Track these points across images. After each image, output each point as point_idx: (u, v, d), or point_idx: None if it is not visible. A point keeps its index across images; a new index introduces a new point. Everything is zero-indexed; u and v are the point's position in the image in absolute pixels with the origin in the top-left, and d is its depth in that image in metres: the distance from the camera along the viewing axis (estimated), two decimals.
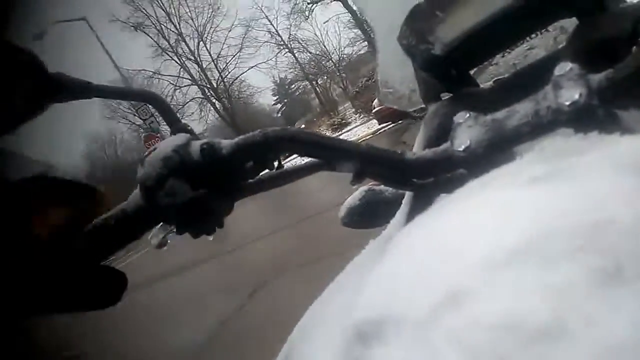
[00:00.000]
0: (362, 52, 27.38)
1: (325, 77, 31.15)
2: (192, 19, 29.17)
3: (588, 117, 0.37)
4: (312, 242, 4.38)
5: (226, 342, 3.35)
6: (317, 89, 31.81)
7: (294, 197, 8.20)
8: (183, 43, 29.15)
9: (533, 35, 0.71)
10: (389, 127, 11.20)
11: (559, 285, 0.20)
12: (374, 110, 11.28)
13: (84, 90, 0.48)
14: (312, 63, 30.39)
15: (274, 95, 37.53)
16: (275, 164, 0.48)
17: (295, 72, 32.12)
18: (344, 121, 25.10)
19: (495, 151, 0.42)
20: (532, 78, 0.50)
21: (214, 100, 29.99)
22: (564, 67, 0.39)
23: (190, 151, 0.42)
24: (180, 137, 0.44)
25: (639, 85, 0.38)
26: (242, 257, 5.74)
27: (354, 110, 24.47)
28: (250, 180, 0.47)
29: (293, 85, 35.70)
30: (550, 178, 0.26)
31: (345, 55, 28.95)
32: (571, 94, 0.38)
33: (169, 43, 28.79)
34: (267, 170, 0.47)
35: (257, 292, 3.99)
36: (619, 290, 0.19)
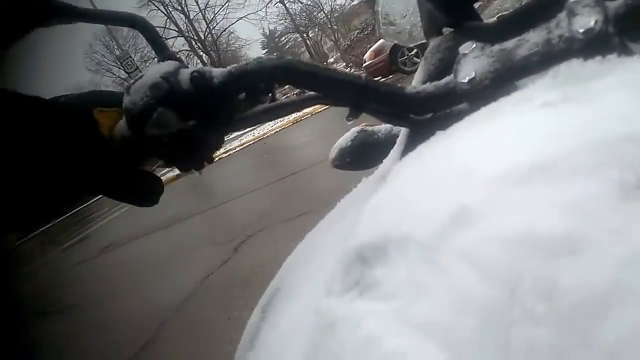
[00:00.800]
0: (354, 3, 26.63)
1: (317, 30, 30.39)
2: None
3: (603, 46, 0.35)
4: (297, 197, 4.39)
5: (212, 292, 3.41)
6: (308, 42, 31.06)
7: (279, 153, 8.17)
8: None
9: None
10: (380, 81, 11.10)
11: (580, 200, 0.18)
12: (364, 65, 11.07)
13: (68, 12, 0.44)
14: (303, 14, 29.52)
15: (263, 48, 36.66)
16: (269, 96, 0.45)
17: (286, 24, 31.28)
18: None
19: (502, 83, 0.39)
20: (541, 11, 0.47)
21: (201, 53, 29.20)
22: None
23: (180, 79, 0.39)
24: (170, 64, 0.41)
25: None
26: (226, 212, 5.75)
27: (344, 64, 24.05)
28: (243, 113, 0.44)
29: (283, 38, 34.85)
30: (566, 101, 0.25)
31: (337, 6, 28.18)
32: (586, 21, 0.36)
33: None
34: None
35: (242, 245, 4.04)
36: None
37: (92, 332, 3.77)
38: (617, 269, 0.16)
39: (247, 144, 12.76)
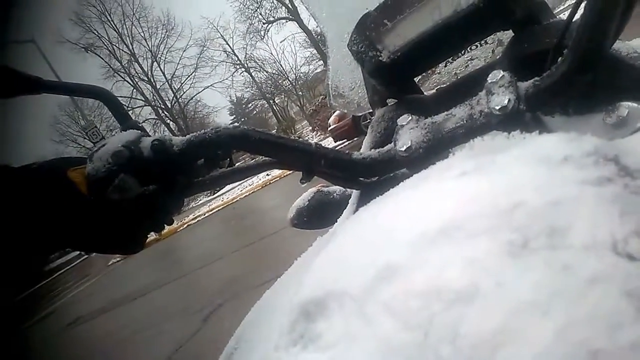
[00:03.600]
0: (318, 70, 27.77)
1: (283, 96, 31.31)
2: (145, 39, 28.74)
3: (516, 121, 0.41)
4: (268, 261, 4.33)
5: None
6: (275, 108, 31.88)
7: (248, 218, 8.12)
8: (136, 64, 28.61)
9: (473, 47, 0.75)
10: (344, 144, 11.39)
11: (475, 257, 0.23)
12: (329, 128, 11.42)
13: (33, 84, 0.47)
14: (269, 82, 30.50)
15: (230, 114, 37.32)
16: (227, 162, 0.48)
17: (252, 91, 32.15)
18: (301, 139, 25.16)
19: (434, 151, 0.45)
20: (470, 85, 0.54)
21: (168, 121, 29.42)
22: (496, 75, 0.43)
23: (141, 147, 0.43)
24: (131, 133, 0.44)
25: (561, 94, 0.41)
26: (196, 281, 5.60)
27: (310, 128, 24.65)
28: (201, 178, 0.47)
29: (250, 104, 35.64)
30: (477, 171, 0.29)
31: (301, 74, 29.30)
32: (501, 100, 0.42)
33: (121, 64, 28.15)
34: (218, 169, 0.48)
35: (212, 315, 3.90)
36: (525, 259, 0.22)
37: None
38: (500, 316, 0.20)
39: (217, 209, 12.63)
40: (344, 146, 11.32)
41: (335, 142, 12.10)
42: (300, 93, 29.43)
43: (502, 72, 0.43)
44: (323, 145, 0.50)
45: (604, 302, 0.19)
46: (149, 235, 0.47)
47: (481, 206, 0.25)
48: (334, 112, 11.59)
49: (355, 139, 10.66)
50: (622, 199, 0.23)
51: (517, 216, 0.23)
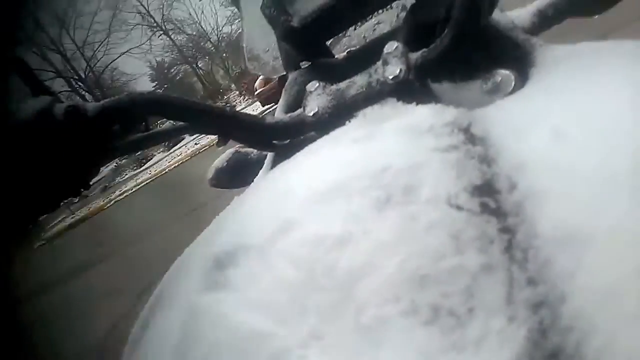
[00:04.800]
0: (240, 29, 26.86)
1: (206, 59, 30.16)
2: (50, 4, 26.17)
3: (407, 89, 0.46)
4: (199, 233, 4.30)
5: (118, 344, 3.21)
6: (199, 72, 30.69)
7: (181, 188, 7.94)
8: (42, 32, 26.10)
9: (380, 11, 0.79)
10: (272, 108, 11.31)
11: (351, 211, 0.29)
12: (256, 93, 11.23)
13: None
14: (190, 45, 29.18)
15: (152, 81, 35.37)
16: (142, 126, 0.49)
17: (173, 56, 30.66)
18: (228, 104, 24.65)
19: (337, 116, 0.48)
20: (375, 51, 0.58)
21: (83, 93, 27.43)
22: (391, 46, 0.48)
23: (55, 113, 0.42)
24: (44, 99, 0.43)
25: (446, 63, 0.46)
26: (131, 256, 5.46)
27: (238, 92, 24.09)
28: (117, 143, 0.48)
29: (172, 69, 34.01)
30: (364, 139, 0.35)
31: (224, 35, 28.28)
32: (394, 69, 0.46)
33: (24, 32, 25.53)
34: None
35: (146, 292, 3.86)
36: (386, 211, 0.28)
37: None
38: (365, 254, 0.26)
39: (144, 182, 12.17)
40: (272, 110, 11.19)
41: (263, 106, 11.94)
42: (224, 55, 28.47)
43: (396, 43, 0.48)
44: (237, 110, 0.52)
45: (434, 241, 0.25)
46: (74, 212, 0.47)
47: (360, 169, 0.31)
48: (259, 76, 11.38)
49: None
50: (461, 162, 0.29)
51: (384, 177, 0.29)
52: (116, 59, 28.59)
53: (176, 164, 11.78)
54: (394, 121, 0.35)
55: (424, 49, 0.46)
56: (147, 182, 12.05)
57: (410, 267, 0.24)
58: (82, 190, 0.46)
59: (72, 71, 27.04)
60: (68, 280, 5.90)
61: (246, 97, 21.50)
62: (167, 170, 11.96)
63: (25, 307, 5.86)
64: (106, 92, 27.64)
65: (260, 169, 0.65)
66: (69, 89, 27.03)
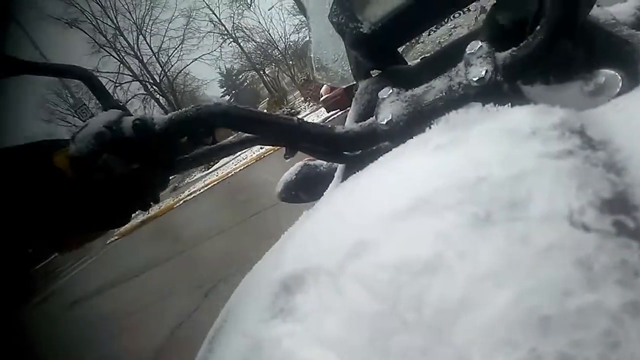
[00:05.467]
0: (308, 38, 27.25)
1: (273, 66, 30.88)
2: (129, 12, 27.98)
3: (494, 92, 0.41)
4: (267, 235, 4.35)
5: (183, 344, 3.30)
6: (265, 78, 31.49)
7: (243, 192, 8.13)
8: (121, 37, 27.95)
9: (456, 15, 0.75)
10: (337, 114, 11.31)
11: (442, 230, 0.24)
12: (321, 99, 11.30)
13: (11, 65, 0.47)
14: (258, 52, 30.01)
15: (221, 86, 36.84)
16: (210, 139, 0.49)
17: (242, 62, 31.67)
18: (293, 110, 25.05)
19: (414, 124, 0.45)
20: (453, 55, 0.54)
21: (157, 96, 29.02)
22: (474, 46, 0.43)
23: (123, 127, 0.43)
24: (113, 113, 0.44)
25: (538, 63, 0.41)
26: (195, 257, 5.64)
27: (303, 98, 24.44)
28: (185, 155, 0.48)
29: (240, 76, 35.19)
30: (450, 145, 0.30)
31: (291, 42, 28.82)
32: (478, 71, 0.42)
33: (106, 38, 27.42)
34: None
35: (212, 291, 3.95)
36: (486, 231, 0.23)
37: None
38: (461, 285, 0.21)
39: (212, 184, 12.64)
40: (337, 116, 11.26)
41: (328, 112, 12.02)
42: (290, 62, 29.03)
43: (480, 42, 0.43)
44: (306, 120, 0.51)
45: (556, 271, 0.20)
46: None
47: (449, 180, 0.26)
48: None
49: (348, 108, 10.57)
50: (581, 171, 0.24)
51: (482, 190, 0.24)
52: (189, 64, 30.02)
53: (242, 167, 12.13)
54: (485, 125, 0.30)
55: (513, 48, 0.42)
56: (214, 184, 12.50)
57: (526, 304, 0.19)
58: (151, 204, 0.46)
59: (147, 75, 28.71)
60: (137, 276, 6.20)
61: (311, 103, 21.76)
62: (232, 173, 12.35)
63: (97, 301, 6.25)
64: (178, 96, 29.09)
65: (330, 182, 0.63)
66: (145, 92, 28.72)
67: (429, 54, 0.69)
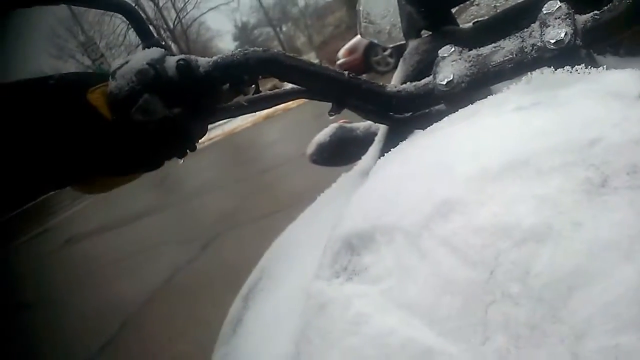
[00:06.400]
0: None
1: (290, 24, 30.24)
2: None
3: (571, 57, 0.38)
4: (268, 195, 4.35)
5: (176, 294, 3.34)
6: (280, 37, 30.87)
7: (249, 150, 8.09)
8: None
9: None
10: (362, 78, 11.11)
11: (548, 195, 0.21)
12: (338, 62, 11.07)
13: None
14: (277, 8, 29.34)
15: (234, 40, 36.13)
16: (253, 88, 0.46)
17: (259, 17, 31.01)
18: None
19: (478, 86, 0.41)
20: (513, 19, 0.49)
21: (170, 43, 28.50)
22: (553, 6, 0.39)
23: (166, 66, 0.40)
24: (156, 51, 0.41)
25: (620, 30, 0.38)
26: (194, 209, 5.63)
27: (318, 60, 24.06)
28: (226, 104, 0.45)
29: (255, 31, 34.48)
30: (537, 106, 0.27)
31: (311, 2, 28.12)
32: (557, 33, 0.38)
33: None
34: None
35: (210, 244, 3.97)
36: (604, 198, 0.20)
37: (51, 331, 3.60)
38: (577, 256, 0.19)
39: (215, 138, 12.59)
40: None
41: None
42: (308, 22, 28.39)
43: (558, 2, 0.40)
44: (356, 75, 0.47)
45: None
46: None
47: (551, 141, 0.23)
48: (343, 45, 11.20)
49: (364, 74, 10.39)
50: None
51: (595, 152, 0.21)
52: (205, 12, 29.43)
53: (249, 125, 12.04)
54: (579, 86, 0.27)
55: (595, 11, 0.38)
56: (217, 138, 12.44)
57: None
58: (188, 151, 0.43)
59: (162, 20, 28.13)
60: (134, 222, 6.23)
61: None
62: (238, 129, 12.26)
63: (92, 242, 6.32)
64: (190, 45, 28.59)
65: (367, 147, 0.59)
66: (158, 37, 28.12)
67: (482, 18, 0.65)
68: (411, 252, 0.22)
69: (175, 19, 28.62)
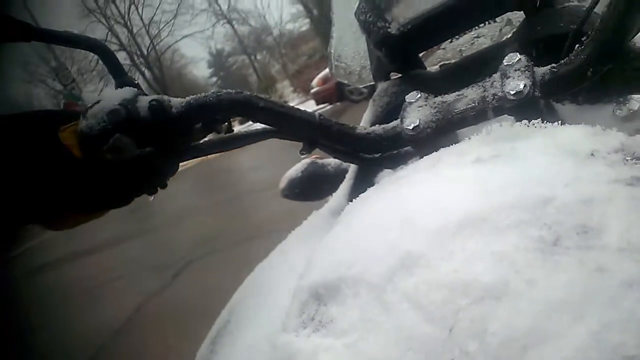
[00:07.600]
0: (303, 29, 27.15)
1: (265, 52, 30.58)
2: None
3: (530, 107, 0.40)
4: (242, 222, 4.31)
5: (146, 324, 3.24)
6: (255, 65, 31.15)
7: (225, 175, 8.02)
8: (113, 5, 27.20)
9: (481, 25, 0.73)
10: (325, 108, 11.27)
11: (504, 252, 0.22)
12: (312, 91, 11.22)
13: (25, 31, 0.44)
14: (252, 36, 29.66)
15: (209, 67, 36.22)
16: (225, 127, 0.47)
17: (233, 45, 31.25)
18: (282, 99, 24.82)
19: (442, 132, 0.43)
20: (477, 65, 0.52)
21: (143, 69, 28.37)
22: (513, 58, 0.42)
23: (138, 107, 0.40)
24: (128, 91, 0.41)
25: (577, 82, 0.40)
26: (167, 236, 5.55)
27: (292, 89, 24.30)
28: (198, 142, 0.46)
29: (230, 59, 34.69)
30: (494, 159, 0.28)
31: (286, 31, 28.58)
32: (517, 84, 0.40)
33: (97, 4, 26.73)
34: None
35: (181, 272, 3.89)
36: (556, 258, 0.21)
37: None
38: (532, 316, 0.19)
39: (189, 164, 12.45)
40: (325, 111, 11.23)
41: (317, 105, 11.96)
42: (283, 51, 28.79)
43: (518, 55, 0.42)
44: (326, 117, 0.49)
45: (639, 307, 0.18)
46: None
47: (508, 197, 0.24)
48: (317, 74, 11.37)
49: (337, 103, 10.51)
50: None
51: (547, 212, 0.23)
52: (179, 40, 29.44)
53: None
54: (535, 140, 0.29)
55: (553, 64, 0.41)
56: (192, 164, 12.32)
57: (607, 341, 0.18)
58: (158, 189, 0.44)
59: (135, 46, 28.04)
60: (104, 250, 6.06)
61: (300, 94, 21.65)
62: (214, 155, 12.15)
63: (63, 271, 6.08)
64: (165, 72, 28.51)
65: (338, 183, 0.61)
66: (130, 63, 28.01)
67: (449, 62, 0.68)
68: (375, 306, 0.23)
69: (149, 46, 28.61)
